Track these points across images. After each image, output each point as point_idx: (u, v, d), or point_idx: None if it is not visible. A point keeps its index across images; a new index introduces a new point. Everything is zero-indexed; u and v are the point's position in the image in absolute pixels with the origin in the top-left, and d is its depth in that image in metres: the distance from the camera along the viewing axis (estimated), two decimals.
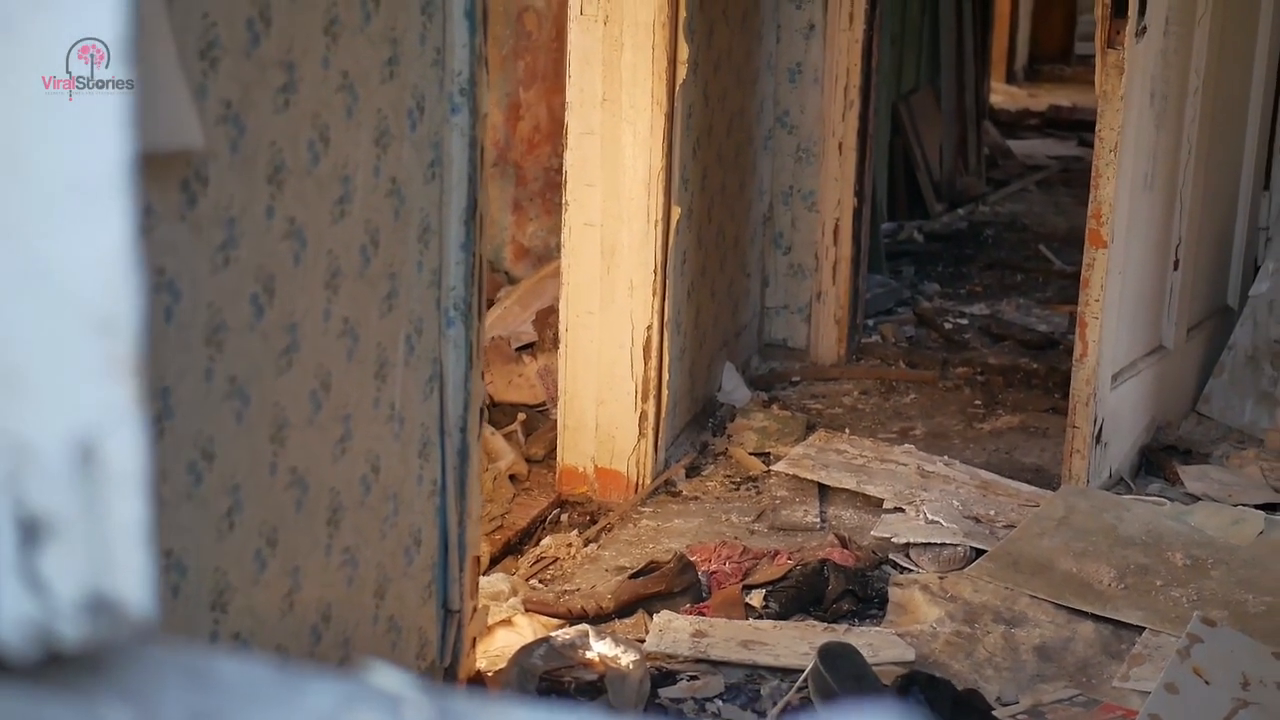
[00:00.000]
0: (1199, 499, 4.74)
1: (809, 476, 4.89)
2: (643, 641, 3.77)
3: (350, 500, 2.95)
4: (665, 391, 4.93)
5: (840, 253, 6.05)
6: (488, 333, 4.45)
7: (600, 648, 3.55)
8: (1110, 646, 3.88)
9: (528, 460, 5.06)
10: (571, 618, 3.93)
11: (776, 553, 4.27)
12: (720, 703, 3.59)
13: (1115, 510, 4.50)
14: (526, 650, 3.56)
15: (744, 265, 5.85)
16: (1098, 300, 4.61)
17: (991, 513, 4.60)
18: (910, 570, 4.28)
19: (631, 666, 3.51)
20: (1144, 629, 3.91)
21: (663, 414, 4.92)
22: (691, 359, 5.26)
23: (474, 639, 3.56)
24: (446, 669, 3.44)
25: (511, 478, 4.90)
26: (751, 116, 5.75)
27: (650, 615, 3.96)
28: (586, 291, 4.79)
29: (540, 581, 4.24)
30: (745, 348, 5.96)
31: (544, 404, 5.44)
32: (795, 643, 3.80)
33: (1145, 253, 4.95)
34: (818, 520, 4.65)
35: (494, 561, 4.32)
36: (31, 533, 0.76)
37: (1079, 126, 11.87)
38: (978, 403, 5.83)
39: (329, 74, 2.73)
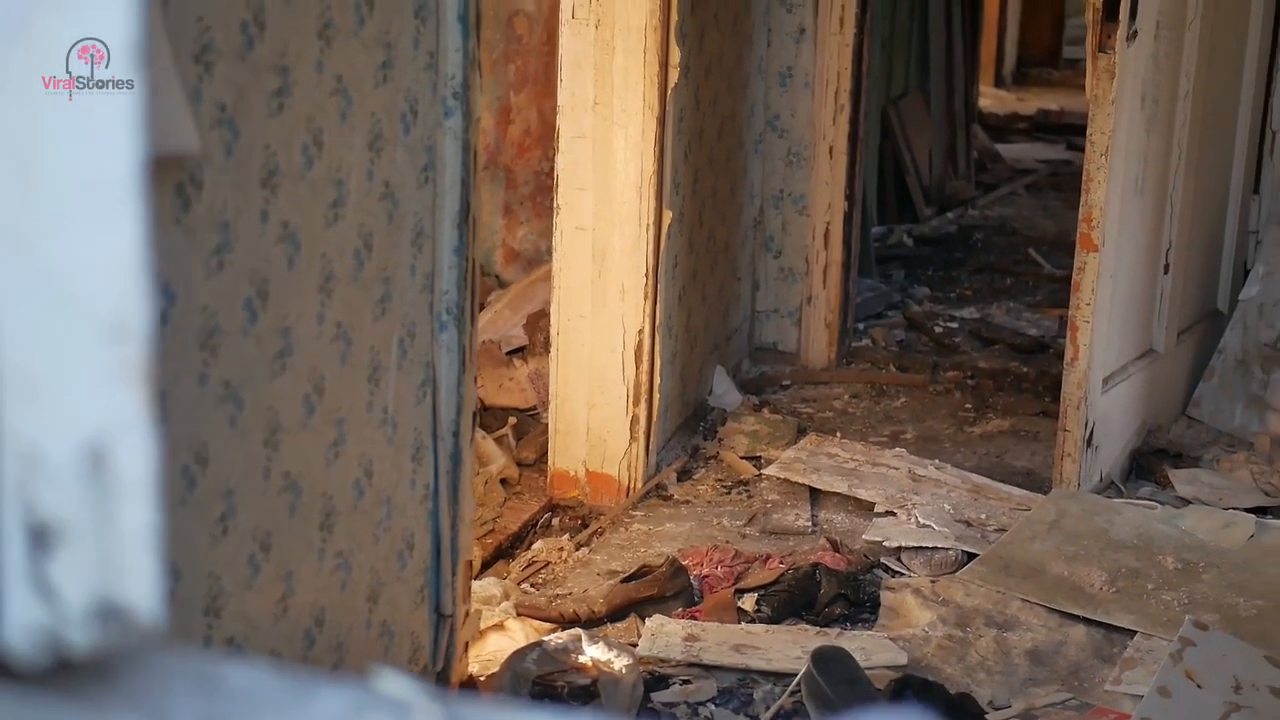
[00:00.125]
0: (1190, 502, 4.74)
1: (800, 480, 4.89)
2: (635, 646, 3.77)
3: (343, 504, 2.95)
4: (656, 395, 4.93)
5: (831, 256, 6.06)
6: (478, 336, 4.44)
7: (593, 652, 3.55)
8: (1102, 650, 3.88)
9: (519, 464, 5.05)
10: (564, 622, 3.93)
11: (768, 557, 4.27)
12: (713, 707, 3.59)
13: (1106, 514, 4.50)
14: (520, 655, 3.55)
15: (735, 269, 5.85)
16: (1089, 304, 4.62)
17: (983, 516, 4.60)
18: (902, 574, 4.29)
19: (625, 671, 3.51)
20: (1136, 633, 3.91)
21: (654, 418, 4.92)
22: (683, 363, 5.25)
23: (466, 643, 3.56)
24: (439, 673, 3.43)
25: (502, 482, 4.89)
26: (742, 120, 5.75)
27: (642, 619, 3.96)
28: (578, 295, 4.79)
29: (532, 586, 4.24)
30: (736, 351, 5.96)
31: (535, 408, 5.44)
32: (788, 647, 3.80)
33: (1136, 257, 4.96)
34: (809, 524, 4.65)
35: (485, 566, 4.31)
36: (41, 539, 0.76)
37: (1067, 130, 11.89)
38: (968, 406, 5.83)
39: (323, 78, 2.73)
